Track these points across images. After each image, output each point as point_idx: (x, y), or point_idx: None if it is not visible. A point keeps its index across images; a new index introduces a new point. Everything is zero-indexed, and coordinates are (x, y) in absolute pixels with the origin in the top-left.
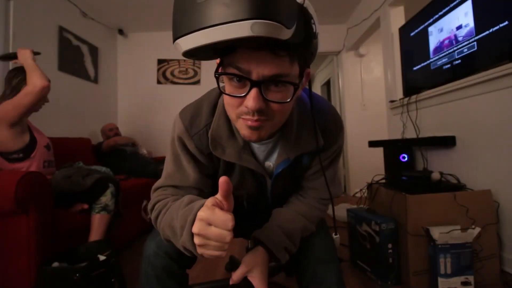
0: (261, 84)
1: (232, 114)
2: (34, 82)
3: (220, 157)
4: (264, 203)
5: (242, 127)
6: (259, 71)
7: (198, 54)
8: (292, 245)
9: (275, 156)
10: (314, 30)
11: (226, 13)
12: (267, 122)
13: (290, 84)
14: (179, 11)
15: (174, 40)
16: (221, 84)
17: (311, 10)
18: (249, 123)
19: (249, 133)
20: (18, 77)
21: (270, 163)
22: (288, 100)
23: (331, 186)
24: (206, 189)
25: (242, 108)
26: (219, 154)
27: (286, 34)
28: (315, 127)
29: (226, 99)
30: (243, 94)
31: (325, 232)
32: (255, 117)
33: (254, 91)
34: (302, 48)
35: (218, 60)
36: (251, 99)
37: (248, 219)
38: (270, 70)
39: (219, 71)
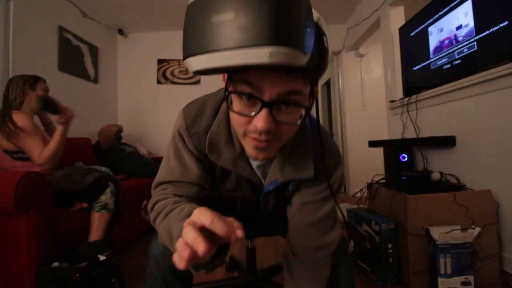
0: (272, 105)
1: (238, 131)
2: (34, 157)
3: (215, 162)
4: (259, 210)
5: (249, 146)
6: (272, 90)
7: (209, 72)
8: None
9: (267, 172)
10: (327, 47)
11: (242, 37)
12: (274, 142)
13: (301, 106)
14: (191, 28)
15: (184, 58)
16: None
17: (324, 26)
18: (256, 143)
19: (255, 153)
20: (28, 83)
21: (262, 178)
22: (298, 122)
23: (320, 233)
24: (207, 185)
25: (250, 126)
26: (215, 158)
27: (303, 60)
28: (309, 155)
29: (233, 115)
30: (252, 114)
31: (348, 267)
32: (263, 137)
33: (264, 112)
34: (316, 68)
35: (225, 74)
36: (261, 120)
37: (246, 220)
38: (284, 88)
39: (229, 87)
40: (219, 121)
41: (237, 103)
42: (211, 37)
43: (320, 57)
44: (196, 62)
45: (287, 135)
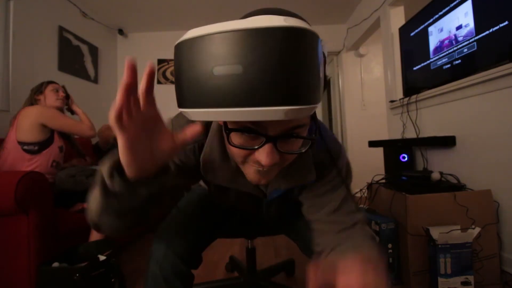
0: (276, 140)
1: (237, 159)
2: (84, 130)
3: (212, 182)
4: (260, 215)
5: (250, 172)
6: (277, 127)
7: None
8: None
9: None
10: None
11: (253, 95)
12: (277, 167)
13: (308, 139)
14: (186, 75)
15: (180, 107)
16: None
17: (325, 47)
18: (258, 168)
19: (257, 178)
20: (35, 90)
21: (264, 187)
22: (302, 150)
23: (347, 213)
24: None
25: (252, 157)
26: (211, 179)
27: (315, 108)
28: (309, 158)
29: (233, 148)
30: (256, 147)
31: None
32: (265, 167)
33: (268, 147)
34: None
35: None
36: (264, 155)
37: (247, 220)
38: (289, 124)
39: (228, 124)
40: (211, 140)
41: (237, 137)
42: (215, 91)
43: (324, 87)
44: (197, 115)
45: (290, 161)
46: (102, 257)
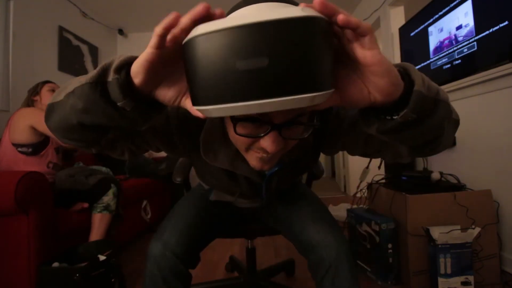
0: (281, 127)
1: (240, 147)
2: None
3: (212, 164)
4: (259, 202)
5: (253, 159)
6: (282, 116)
7: None
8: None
9: None
10: None
11: (281, 86)
12: (280, 153)
13: (310, 125)
14: (206, 72)
15: (199, 105)
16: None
17: None
18: (262, 154)
19: (260, 164)
20: (31, 91)
21: None
22: (305, 135)
23: None
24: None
25: (256, 144)
26: (211, 160)
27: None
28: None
29: (237, 136)
30: (261, 135)
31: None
32: (270, 154)
33: (273, 134)
34: None
35: None
36: (270, 142)
37: (245, 220)
38: (294, 113)
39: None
40: (212, 120)
41: (242, 127)
42: (240, 85)
43: None
44: (221, 111)
45: (292, 146)
46: (102, 257)
